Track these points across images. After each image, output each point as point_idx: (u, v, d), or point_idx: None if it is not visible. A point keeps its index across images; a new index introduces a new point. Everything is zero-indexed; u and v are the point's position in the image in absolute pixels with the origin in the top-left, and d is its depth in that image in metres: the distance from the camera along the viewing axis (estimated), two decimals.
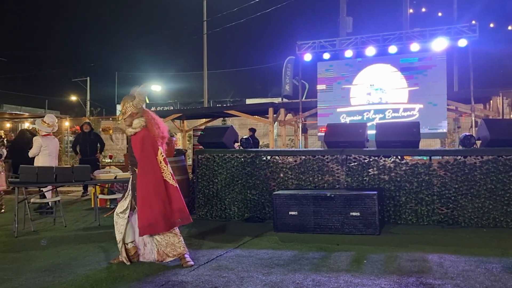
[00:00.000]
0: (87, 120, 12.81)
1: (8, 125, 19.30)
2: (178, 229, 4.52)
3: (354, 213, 5.63)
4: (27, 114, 20.04)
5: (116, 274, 4.09)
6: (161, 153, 4.46)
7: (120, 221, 4.48)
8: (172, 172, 4.53)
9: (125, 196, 4.56)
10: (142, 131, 4.43)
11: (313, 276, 3.91)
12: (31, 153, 7.64)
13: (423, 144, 6.98)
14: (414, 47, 10.29)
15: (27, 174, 6.03)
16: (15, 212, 5.93)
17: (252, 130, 12.51)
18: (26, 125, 17.27)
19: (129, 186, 4.54)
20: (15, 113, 21.23)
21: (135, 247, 4.50)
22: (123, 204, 4.50)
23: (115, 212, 4.58)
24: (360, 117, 10.73)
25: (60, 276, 4.05)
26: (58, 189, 7.30)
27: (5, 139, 9.38)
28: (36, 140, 7.59)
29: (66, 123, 19.12)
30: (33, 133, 12.70)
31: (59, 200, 6.98)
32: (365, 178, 6.40)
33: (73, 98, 36.47)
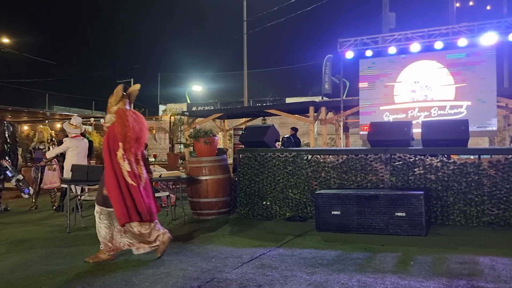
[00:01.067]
0: None
1: (58, 125, 20.21)
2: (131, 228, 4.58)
3: (399, 213, 5.50)
4: (76, 115, 20.84)
5: (162, 270, 4.20)
6: (122, 152, 4.55)
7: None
8: (138, 172, 4.61)
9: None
10: (110, 126, 4.65)
11: (358, 276, 3.86)
12: (48, 154, 7.98)
13: (471, 143, 6.71)
14: (462, 42, 9.92)
15: (78, 172, 6.30)
16: (66, 209, 6.20)
17: (294, 129, 12.48)
18: None
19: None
20: (64, 114, 22.22)
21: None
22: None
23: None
24: (404, 115, 10.47)
25: (110, 271, 4.20)
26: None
27: (56, 139, 9.82)
28: (65, 142, 7.89)
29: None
30: (83, 134, 13.23)
31: None
32: (410, 178, 6.24)
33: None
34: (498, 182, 5.79)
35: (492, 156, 6.05)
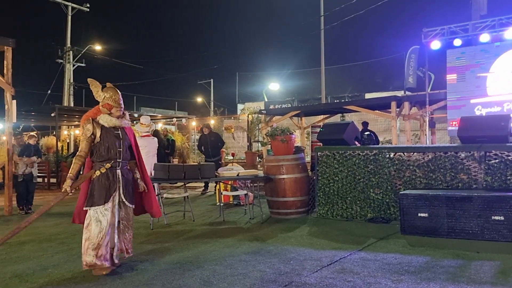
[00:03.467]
0: (206, 123, 13.45)
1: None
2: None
3: (496, 217, 4.95)
4: (160, 115, 21.89)
5: (239, 271, 4.15)
6: None
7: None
8: None
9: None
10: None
11: (450, 287, 3.50)
12: None
13: None
14: None
15: (160, 171, 6.51)
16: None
17: (364, 124, 11.95)
18: (159, 125, 18.86)
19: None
20: (150, 115, 23.41)
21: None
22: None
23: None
24: (498, 108, 9.54)
25: (189, 270, 4.24)
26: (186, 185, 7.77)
27: None
28: None
29: (193, 123, 20.47)
30: (165, 134, 13.81)
31: (187, 196, 7.41)
32: (509, 178, 5.62)
33: (199, 99, 39.05)
34: None
35: None
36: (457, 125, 6.59)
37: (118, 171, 4.34)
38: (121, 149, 4.37)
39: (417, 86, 13.89)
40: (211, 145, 10.55)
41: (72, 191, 4.19)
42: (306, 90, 30.04)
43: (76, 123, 18.82)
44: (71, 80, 25.78)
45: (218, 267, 4.31)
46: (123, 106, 4.47)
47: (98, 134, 4.30)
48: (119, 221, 4.39)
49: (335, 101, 23.77)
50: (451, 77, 10.33)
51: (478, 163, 5.84)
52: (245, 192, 7.67)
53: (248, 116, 18.64)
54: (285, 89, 31.40)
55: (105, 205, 4.20)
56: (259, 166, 14.18)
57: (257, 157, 15.47)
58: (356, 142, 7.33)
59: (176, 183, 7.61)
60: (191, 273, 4.13)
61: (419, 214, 5.41)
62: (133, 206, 4.49)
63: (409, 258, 4.41)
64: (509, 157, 5.65)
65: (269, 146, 8.71)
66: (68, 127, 21.65)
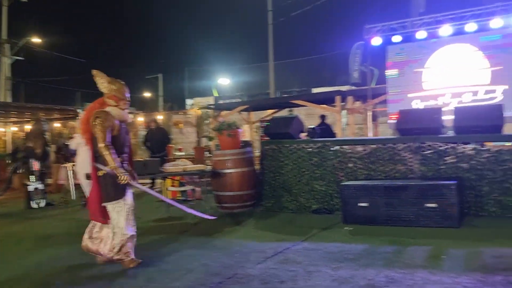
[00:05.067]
0: (154, 117, 13.22)
1: None
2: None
3: (430, 204, 5.26)
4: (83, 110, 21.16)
5: (183, 266, 4.14)
6: None
7: None
8: None
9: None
10: None
11: (386, 272, 3.68)
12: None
13: (509, 129, 6.36)
14: (496, 23, 9.38)
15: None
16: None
17: (322, 117, 12.25)
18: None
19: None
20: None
21: None
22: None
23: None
24: (434, 102, 10.04)
25: (133, 267, 4.16)
26: None
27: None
28: (75, 138, 7.90)
29: (140, 119, 20.03)
30: None
31: (133, 193, 7.25)
32: (441, 167, 5.96)
33: (147, 94, 38.18)
34: None
35: None
36: (396, 118, 6.87)
37: (125, 165, 4.27)
38: (127, 144, 4.35)
39: (362, 81, 14.34)
40: (157, 140, 10.39)
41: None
42: (255, 85, 30.21)
43: (14, 119, 17.84)
44: (8, 74, 24.37)
45: (162, 263, 4.27)
46: (129, 100, 4.37)
47: (117, 127, 4.16)
48: None
49: (284, 95, 24.06)
50: (391, 72, 10.75)
51: (414, 154, 6.14)
52: (191, 187, 7.62)
53: (197, 111, 18.50)
54: (235, 84, 31.42)
55: (123, 198, 4.16)
56: (208, 161, 14.13)
57: (206, 152, 15.41)
58: (303, 135, 7.49)
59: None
60: (134, 270, 4.06)
61: (359, 204, 5.64)
62: None
63: (349, 246, 4.58)
64: (441, 148, 5.99)
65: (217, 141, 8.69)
66: (5, 124, 20.47)
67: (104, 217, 4.22)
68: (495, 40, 9.56)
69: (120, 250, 4.14)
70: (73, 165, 8.62)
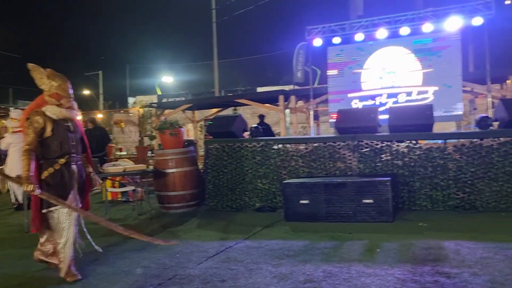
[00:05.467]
0: (91, 117, 12.73)
1: None
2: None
3: (367, 200, 5.48)
4: (14, 107, 20.09)
5: (122, 268, 4.03)
6: None
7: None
8: None
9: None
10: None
11: (324, 266, 3.79)
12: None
13: (438, 128, 6.78)
14: (427, 27, 9.95)
15: None
16: (25, 209, 5.93)
17: (261, 117, 12.36)
18: None
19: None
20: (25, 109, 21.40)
21: None
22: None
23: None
24: (372, 102, 10.48)
25: None
26: None
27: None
28: (6, 138, 7.55)
29: (79, 117, 19.20)
30: None
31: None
32: (377, 164, 6.23)
33: (86, 92, 36.71)
34: (463, 166, 5.84)
35: (458, 140, 6.09)
36: (335, 117, 7.09)
37: (74, 167, 3.94)
38: (74, 143, 3.97)
39: (304, 80, 14.66)
40: (96, 140, 10.00)
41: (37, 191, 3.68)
42: (200, 84, 29.99)
43: None
44: None
45: (99, 266, 4.13)
46: (73, 96, 4.01)
47: (49, 128, 3.81)
48: None
49: (229, 94, 24.06)
50: (332, 73, 11.08)
51: (352, 151, 6.37)
52: (133, 187, 7.44)
53: (139, 110, 18.05)
54: (179, 83, 31.00)
55: (65, 203, 3.79)
56: (151, 161, 13.84)
57: (149, 152, 15.08)
58: (246, 134, 7.53)
59: None
60: None
61: (301, 201, 5.77)
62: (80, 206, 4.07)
63: (290, 243, 4.67)
64: (377, 146, 6.26)
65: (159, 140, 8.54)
66: None
67: (41, 224, 3.90)
68: (426, 43, 10.13)
69: (60, 257, 3.85)
70: (1, 167, 8.14)
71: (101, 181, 4.35)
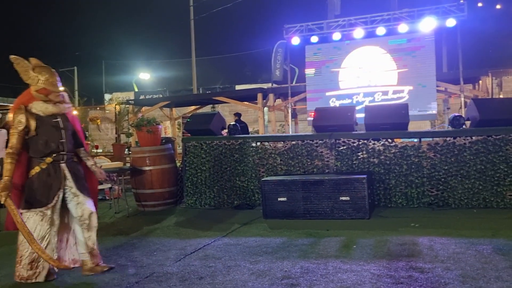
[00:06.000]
0: None
1: None
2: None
3: (343, 198, 5.56)
4: (12, 105, 19.55)
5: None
6: None
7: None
8: None
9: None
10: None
11: (301, 263, 3.83)
12: None
13: (413, 126, 6.94)
14: (402, 28, 10.16)
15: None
16: None
17: (237, 115, 12.38)
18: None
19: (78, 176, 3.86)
20: (2, 105, 20.83)
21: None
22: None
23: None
24: (349, 101, 10.64)
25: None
26: None
27: None
28: None
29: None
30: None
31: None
32: (354, 162, 6.32)
33: (61, 88, 35.89)
34: (437, 164, 5.98)
35: (432, 138, 6.23)
36: (313, 115, 7.16)
37: (63, 165, 3.70)
38: (64, 140, 3.71)
39: (283, 79, 14.75)
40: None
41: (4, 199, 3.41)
42: (178, 81, 29.79)
43: None
44: None
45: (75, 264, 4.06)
46: (62, 89, 3.75)
47: (33, 127, 3.58)
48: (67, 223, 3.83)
49: (207, 92, 23.98)
50: (309, 71, 11.18)
51: (330, 149, 6.44)
52: (109, 185, 7.34)
53: (115, 107, 17.80)
54: (156, 79, 30.70)
55: (47, 205, 3.58)
56: (127, 158, 13.67)
57: (126, 149, 14.88)
58: (224, 132, 7.52)
59: None
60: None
61: (279, 199, 5.80)
62: (91, 199, 3.84)
63: (268, 240, 4.70)
64: (354, 144, 6.35)
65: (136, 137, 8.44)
66: None
67: (13, 225, 3.64)
68: (401, 44, 10.34)
69: (29, 264, 3.62)
70: None
71: (103, 173, 4.13)
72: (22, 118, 3.59)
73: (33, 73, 3.66)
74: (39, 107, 3.67)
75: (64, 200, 3.74)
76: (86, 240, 3.76)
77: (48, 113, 3.69)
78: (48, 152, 3.67)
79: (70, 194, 3.74)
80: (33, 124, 3.62)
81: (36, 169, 3.65)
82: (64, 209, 3.79)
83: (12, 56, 3.68)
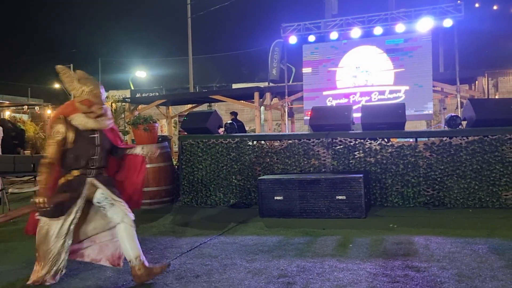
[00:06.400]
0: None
1: None
2: None
3: (340, 197, 5.56)
4: (8, 102, 19.50)
5: (94, 265, 3.96)
6: None
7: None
8: None
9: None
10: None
11: (297, 261, 3.83)
12: None
13: (409, 126, 6.97)
14: (400, 28, 10.18)
15: (4, 163, 5.85)
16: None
17: (234, 114, 12.38)
18: (7, 114, 16.85)
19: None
20: None
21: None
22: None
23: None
24: (346, 100, 10.66)
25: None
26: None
27: None
28: None
29: (48, 111, 18.73)
30: (13, 123, 12.43)
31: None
32: (351, 161, 6.33)
33: (57, 85, 35.81)
34: (433, 163, 6.00)
35: (428, 138, 6.26)
36: (310, 114, 7.17)
37: (88, 180, 3.56)
38: (96, 157, 3.56)
39: (280, 78, 14.76)
40: None
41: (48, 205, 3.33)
42: (174, 79, 29.74)
43: None
44: None
45: (70, 263, 4.02)
46: (105, 103, 3.61)
47: (70, 138, 3.45)
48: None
49: (204, 90, 23.95)
50: (306, 70, 11.19)
51: (326, 149, 6.45)
52: None
53: (112, 105, 17.72)
54: (153, 78, 30.64)
55: (60, 217, 3.47)
56: None
57: None
58: (220, 131, 7.51)
59: (24, 176, 6.91)
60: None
61: (275, 198, 5.80)
62: (122, 201, 3.62)
63: (264, 238, 4.70)
64: (351, 143, 6.36)
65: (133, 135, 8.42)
66: None
67: (33, 230, 3.59)
68: (398, 43, 10.36)
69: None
70: None
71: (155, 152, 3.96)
72: (61, 128, 3.47)
73: (78, 84, 3.54)
74: (80, 120, 3.53)
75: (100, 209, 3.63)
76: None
77: (87, 127, 3.56)
78: (76, 168, 3.56)
79: (107, 203, 3.59)
80: (71, 136, 3.50)
81: (62, 180, 3.56)
82: (98, 212, 3.70)
83: (58, 66, 3.59)
